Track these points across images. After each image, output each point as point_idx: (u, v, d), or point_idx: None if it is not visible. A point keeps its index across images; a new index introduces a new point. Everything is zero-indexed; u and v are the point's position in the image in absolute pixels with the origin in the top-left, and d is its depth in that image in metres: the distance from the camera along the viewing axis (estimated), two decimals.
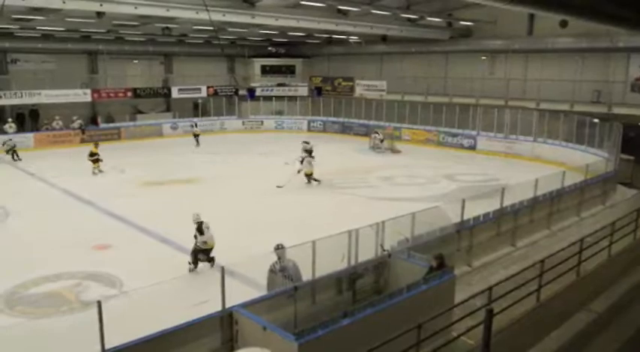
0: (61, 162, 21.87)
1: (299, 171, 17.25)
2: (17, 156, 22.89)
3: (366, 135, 27.95)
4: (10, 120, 26.44)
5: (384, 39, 29.86)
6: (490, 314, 5.21)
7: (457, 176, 19.23)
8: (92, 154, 19.63)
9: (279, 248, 7.58)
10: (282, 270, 7.45)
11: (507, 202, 11.54)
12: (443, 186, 17.70)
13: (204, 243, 10.12)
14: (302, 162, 17.60)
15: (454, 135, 26.33)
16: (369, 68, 33.29)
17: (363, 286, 7.95)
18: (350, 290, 7.83)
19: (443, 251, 7.92)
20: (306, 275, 7.34)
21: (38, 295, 9.16)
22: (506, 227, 11.73)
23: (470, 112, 25.62)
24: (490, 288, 7.18)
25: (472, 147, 25.37)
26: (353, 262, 7.83)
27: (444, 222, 9.36)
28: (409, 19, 25.77)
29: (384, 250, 8.28)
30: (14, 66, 28.37)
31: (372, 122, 29.57)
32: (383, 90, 30.62)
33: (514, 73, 26.09)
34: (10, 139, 23.56)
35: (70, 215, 14.29)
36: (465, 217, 10.40)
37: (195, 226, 10.14)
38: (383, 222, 8.20)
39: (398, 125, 28.30)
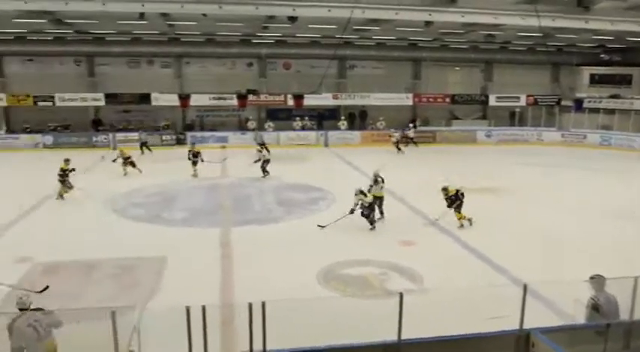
0: (380, 157, 23.94)
1: None
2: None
3: None
4: (342, 118, 30.56)
5: None
6: None
7: None
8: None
9: (596, 277, 6.69)
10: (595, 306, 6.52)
11: None
12: None
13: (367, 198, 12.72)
14: None
15: None
16: None
17: None
18: None
19: None
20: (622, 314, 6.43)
21: (349, 276, 10.23)
22: None
23: None
24: None
25: None
26: None
27: None
28: None
29: None
30: (351, 71, 32.29)
31: None
32: None
33: None
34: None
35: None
36: None
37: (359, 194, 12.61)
38: None
39: None
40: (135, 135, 27.55)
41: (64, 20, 23.74)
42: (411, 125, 29.88)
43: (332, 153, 26.63)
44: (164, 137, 28.54)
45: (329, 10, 19.95)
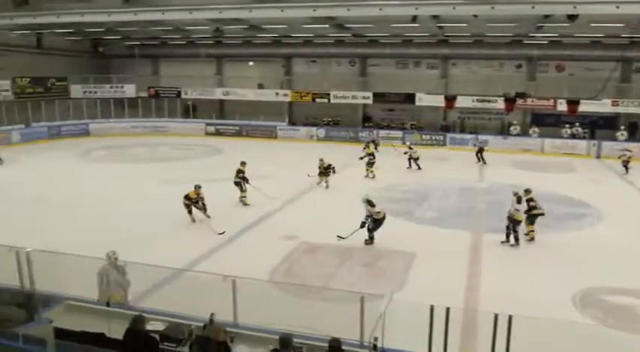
0: None
1: None
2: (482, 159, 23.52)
3: None
4: (622, 127, 27.05)
5: None
6: None
7: None
8: None
9: None
10: None
11: None
12: None
13: (378, 213, 12.03)
14: None
15: None
16: None
17: None
18: None
19: None
20: None
21: (611, 304, 9.14)
22: None
23: None
24: None
25: None
26: None
27: None
28: None
29: None
30: (638, 75, 28.24)
31: None
32: None
33: None
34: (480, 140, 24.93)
35: None
36: None
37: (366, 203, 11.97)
38: None
39: None
40: (397, 133, 29.16)
41: (345, 25, 26.01)
42: None
43: (604, 166, 23.79)
44: (424, 136, 29.17)
45: (617, 7, 17.81)
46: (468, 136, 28.71)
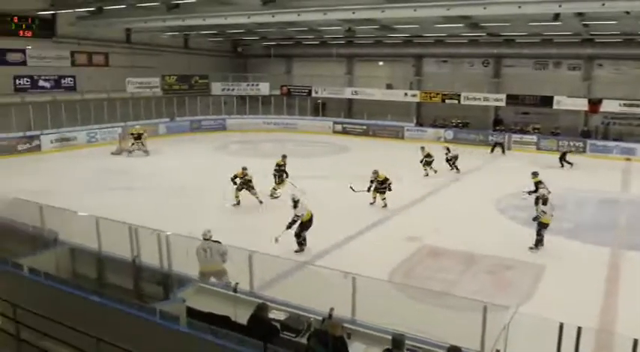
0: None
1: None
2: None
3: None
4: None
5: None
6: None
7: None
8: None
9: None
10: None
11: None
12: None
13: (301, 215, 11.36)
14: None
15: None
16: None
17: None
18: None
19: None
20: None
21: None
22: None
23: None
24: None
25: None
26: None
27: None
28: None
29: None
30: None
31: None
32: None
33: None
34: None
35: None
36: None
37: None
38: None
39: None
40: (530, 138, 27.62)
41: (480, 24, 25.13)
42: None
43: None
44: (560, 142, 27.26)
45: None
46: (611, 143, 26.43)
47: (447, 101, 30.78)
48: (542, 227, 11.81)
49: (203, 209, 14.75)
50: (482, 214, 14.96)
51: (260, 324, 6.03)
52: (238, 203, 15.04)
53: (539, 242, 11.83)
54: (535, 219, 12.03)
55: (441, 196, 17.22)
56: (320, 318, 6.11)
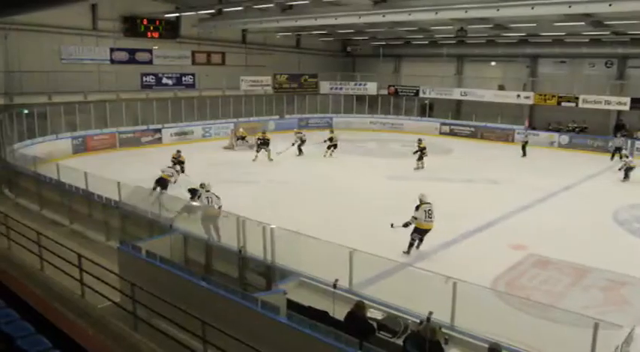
0: None
1: None
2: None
3: None
4: None
5: None
6: None
7: None
8: None
9: None
10: None
11: None
12: None
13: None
14: None
15: None
16: None
17: None
18: None
19: None
20: None
21: None
22: None
23: None
24: None
25: None
26: None
27: None
28: None
29: None
30: None
31: None
32: None
33: None
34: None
35: None
36: None
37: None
38: None
39: None
40: None
41: (603, 22, 23.46)
42: None
43: None
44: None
45: None
46: None
47: (563, 104, 29.02)
48: None
49: (300, 203, 15.33)
50: (598, 225, 14.05)
51: (357, 322, 6.16)
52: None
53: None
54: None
55: (552, 203, 16.37)
56: (417, 321, 6.12)
